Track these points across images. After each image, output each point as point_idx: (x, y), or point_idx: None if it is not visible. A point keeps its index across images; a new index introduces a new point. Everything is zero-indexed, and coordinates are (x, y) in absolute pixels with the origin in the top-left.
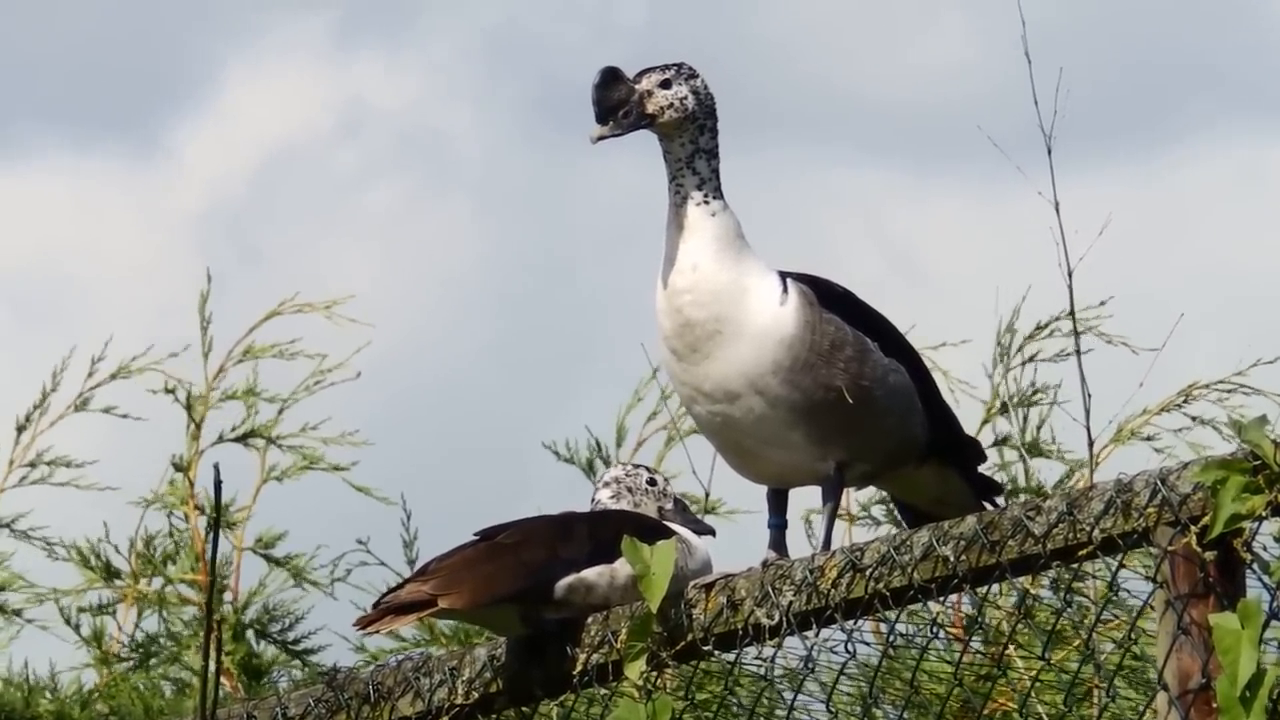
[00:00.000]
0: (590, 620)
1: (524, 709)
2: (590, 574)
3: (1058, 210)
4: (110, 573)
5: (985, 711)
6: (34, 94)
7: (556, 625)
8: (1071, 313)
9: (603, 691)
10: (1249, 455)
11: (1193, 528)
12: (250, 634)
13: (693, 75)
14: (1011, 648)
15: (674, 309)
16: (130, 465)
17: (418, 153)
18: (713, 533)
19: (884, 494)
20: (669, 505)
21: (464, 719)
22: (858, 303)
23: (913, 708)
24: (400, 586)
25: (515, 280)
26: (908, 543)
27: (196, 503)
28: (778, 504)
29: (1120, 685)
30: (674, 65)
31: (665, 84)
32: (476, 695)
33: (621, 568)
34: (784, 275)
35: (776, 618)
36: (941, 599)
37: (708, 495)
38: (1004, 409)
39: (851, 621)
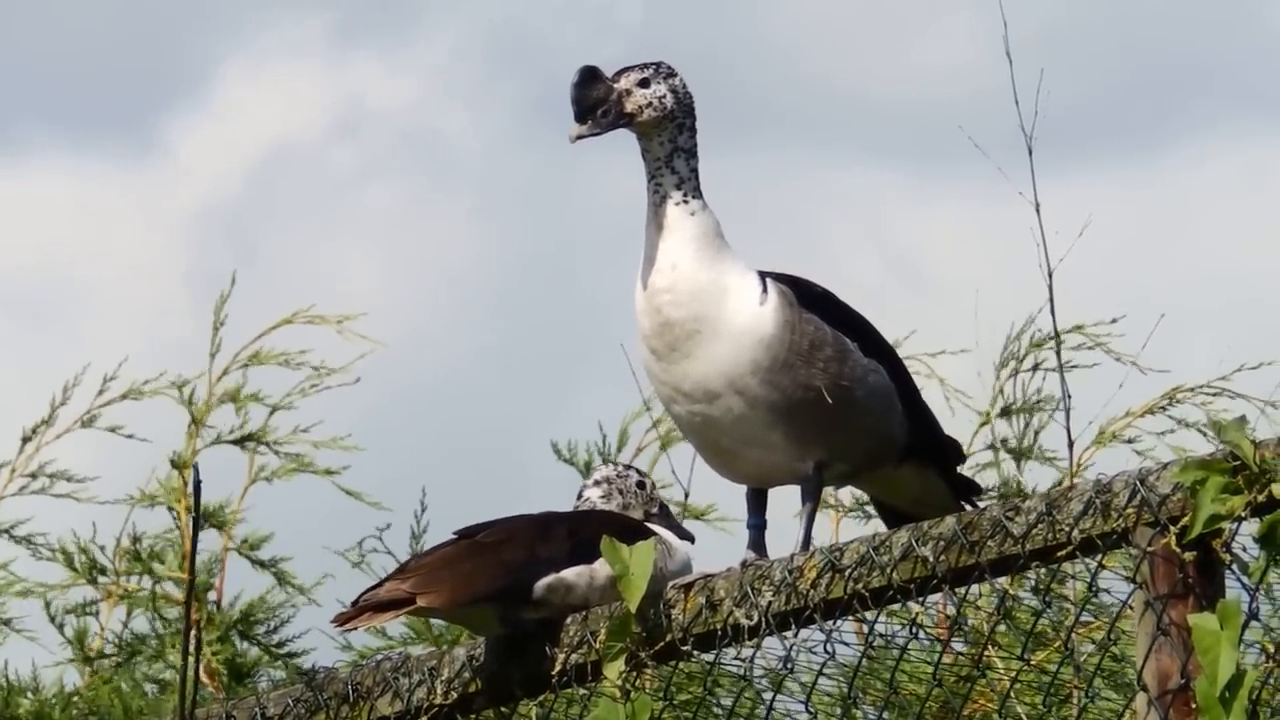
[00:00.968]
0: (569, 620)
1: (503, 709)
2: (569, 574)
3: (1038, 211)
4: (95, 570)
5: (965, 712)
6: (33, 94)
7: (535, 625)
8: (1052, 313)
9: (582, 691)
10: (1228, 456)
11: (1172, 528)
12: (234, 635)
13: (671, 74)
14: (991, 648)
15: (653, 308)
16: (130, 483)
17: (416, 152)
18: (693, 539)
19: None
20: (655, 509)
21: (443, 719)
22: (837, 303)
23: (892, 708)
24: (380, 584)
25: (514, 280)
26: (887, 543)
27: (188, 503)
28: (757, 504)
29: (1100, 686)
30: (652, 64)
31: (644, 83)
32: (455, 695)
33: (601, 568)
34: (763, 275)
35: (755, 618)
36: (921, 599)
37: (687, 495)
38: (1006, 412)
39: (831, 622)
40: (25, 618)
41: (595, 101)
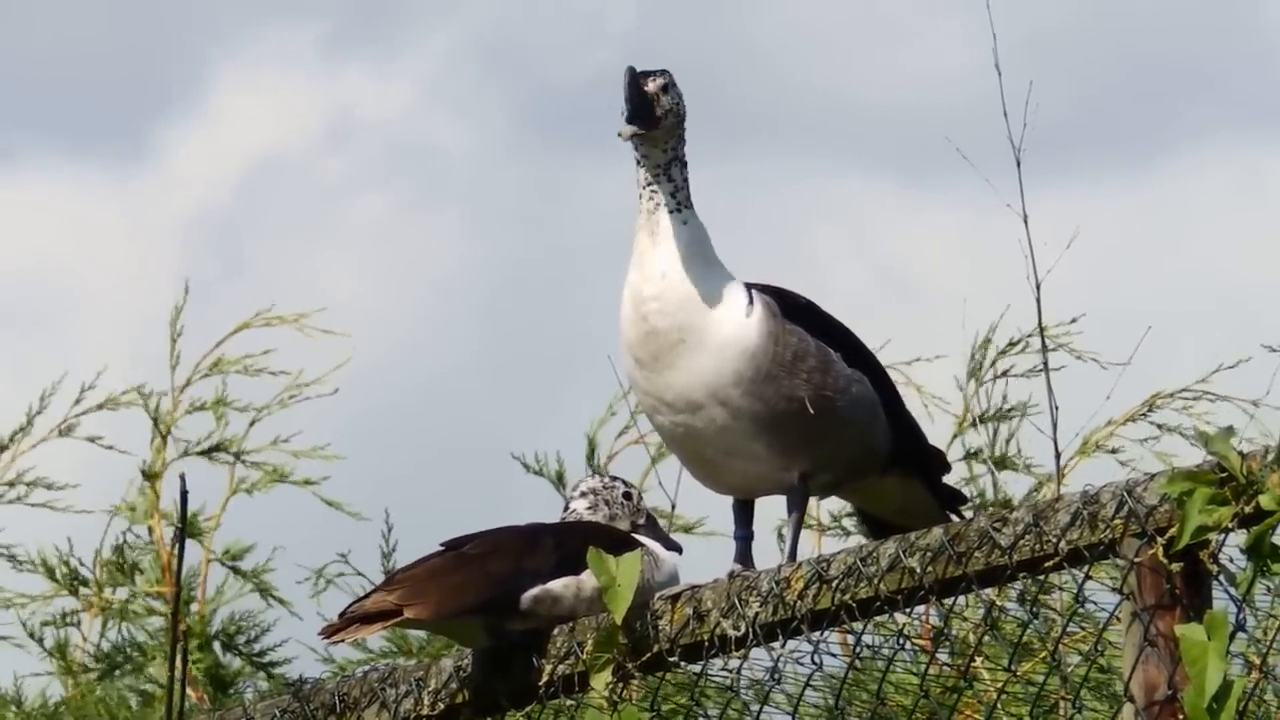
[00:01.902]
0: (556, 631)
1: (490, 719)
2: (556, 585)
3: (1026, 223)
4: (76, 582)
5: None
6: (25, 103)
7: (522, 636)
8: (1039, 326)
9: (569, 703)
10: (1215, 467)
11: (1159, 539)
12: (217, 645)
13: (674, 82)
14: (978, 659)
15: (639, 316)
16: (109, 492)
17: (406, 162)
18: (680, 549)
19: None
20: (642, 520)
21: None
22: (820, 313)
23: (879, 719)
24: (366, 596)
25: (502, 290)
26: (874, 554)
27: (163, 514)
28: (743, 515)
29: (1087, 697)
30: (661, 71)
31: (665, 89)
32: (442, 706)
33: (587, 579)
34: (749, 286)
35: (743, 629)
36: (908, 610)
37: (674, 507)
38: (975, 423)
39: (818, 633)
40: (6, 625)
41: (647, 101)
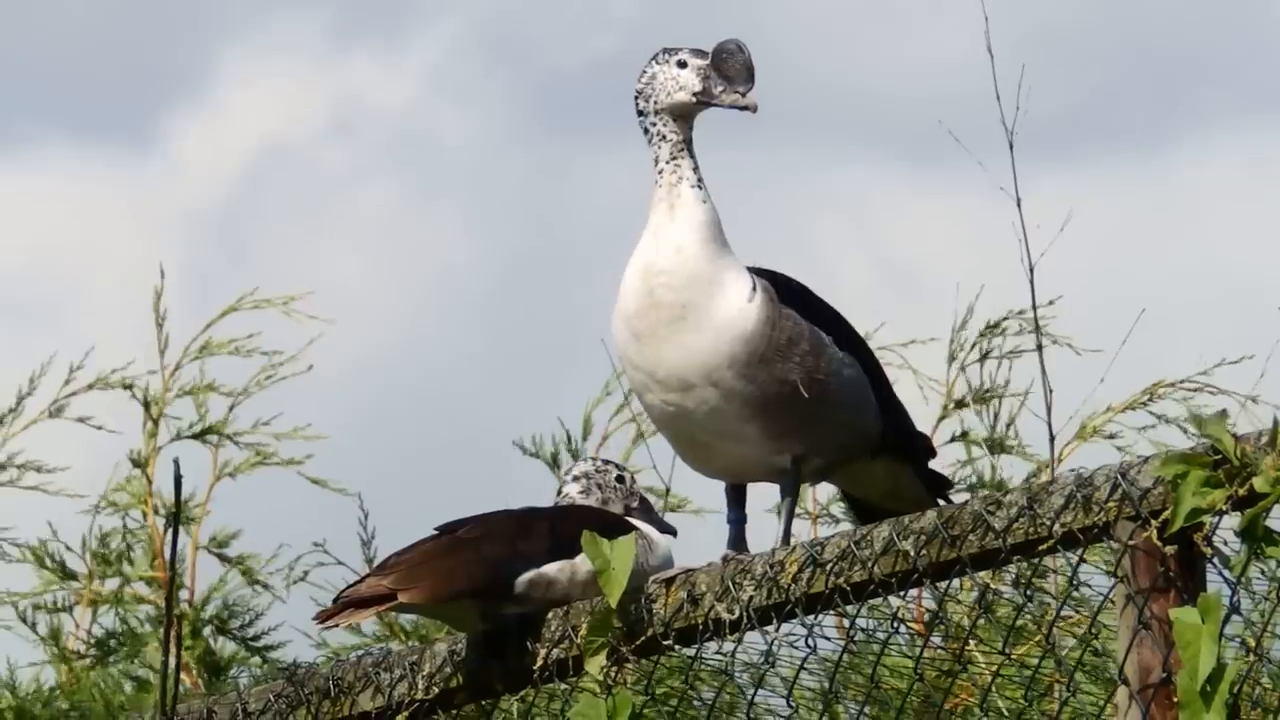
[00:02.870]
0: (550, 615)
1: (484, 704)
2: (550, 569)
3: (1019, 206)
4: (66, 573)
5: (946, 707)
6: (29, 91)
7: (516, 620)
8: (1033, 308)
9: (563, 686)
10: (1209, 450)
11: (1153, 522)
12: (209, 630)
13: None
14: (972, 643)
15: (646, 288)
16: (101, 474)
17: (409, 152)
18: (674, 532)
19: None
20: (635, 503)
21: (424, 714)
22: (813, 298)
23: (873, 703)
24: (360, 581)
25: (505, 280)
26: (868, 537)
27: (154, 500)
28: (736, 499)
29: (1081, 680)
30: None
31: None
32: (437, 690)
33: (582, 563)
34: (751, 271)
35: (737, 612)
36: (902, 594)
37: (668, 491)
38: (960, 405)
39: (812, 616)
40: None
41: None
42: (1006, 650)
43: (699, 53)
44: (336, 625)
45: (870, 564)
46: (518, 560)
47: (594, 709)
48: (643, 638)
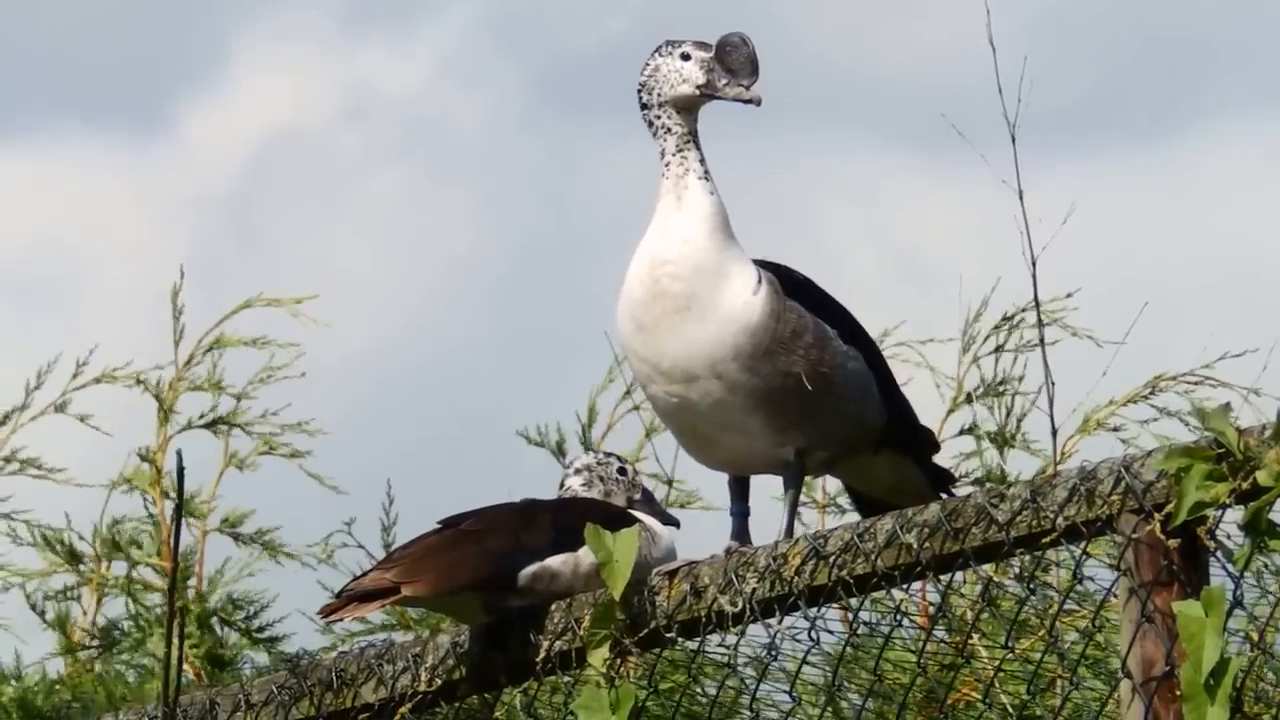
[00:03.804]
0: (553, 607)
1: (487, 696)
2: (554, 562)
3: (1021, 198)
4: (74, 556)
5: (949, 700)
6: (42, 77)
7: (519, 613)
8: (1035, 301)
9: (566, 679)
10: (1213, 443)
11: (1157, 515)
12: (214, 621)
13: None
14: (976, 636)
15: (652, 278)
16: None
17: (421, 138)
18: (677, 524)
19: None
20: (638, 495)
21: (427, 706)
22: (818, 290)
23: (877, 696)
24: (364, 574)
25: (515, 266)
26: (871, 530)
27: (163, 488)
28: (739, 491)
29: (1084, 674)
30: None
31: None
32: (440, 682)
33: (585, 556)
34: (757, 264)
35: (740, 605)
36: (905, 587)
37: (670, 484)
38: (969, 399)
39: (815, 609)
40: (6, 599)
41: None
42: (1010, 644)
43: (702, 45)
44: (341, 619)
45: (874, 557)
46: (521, 553)
47: (597, 701)
48: (646, 630)
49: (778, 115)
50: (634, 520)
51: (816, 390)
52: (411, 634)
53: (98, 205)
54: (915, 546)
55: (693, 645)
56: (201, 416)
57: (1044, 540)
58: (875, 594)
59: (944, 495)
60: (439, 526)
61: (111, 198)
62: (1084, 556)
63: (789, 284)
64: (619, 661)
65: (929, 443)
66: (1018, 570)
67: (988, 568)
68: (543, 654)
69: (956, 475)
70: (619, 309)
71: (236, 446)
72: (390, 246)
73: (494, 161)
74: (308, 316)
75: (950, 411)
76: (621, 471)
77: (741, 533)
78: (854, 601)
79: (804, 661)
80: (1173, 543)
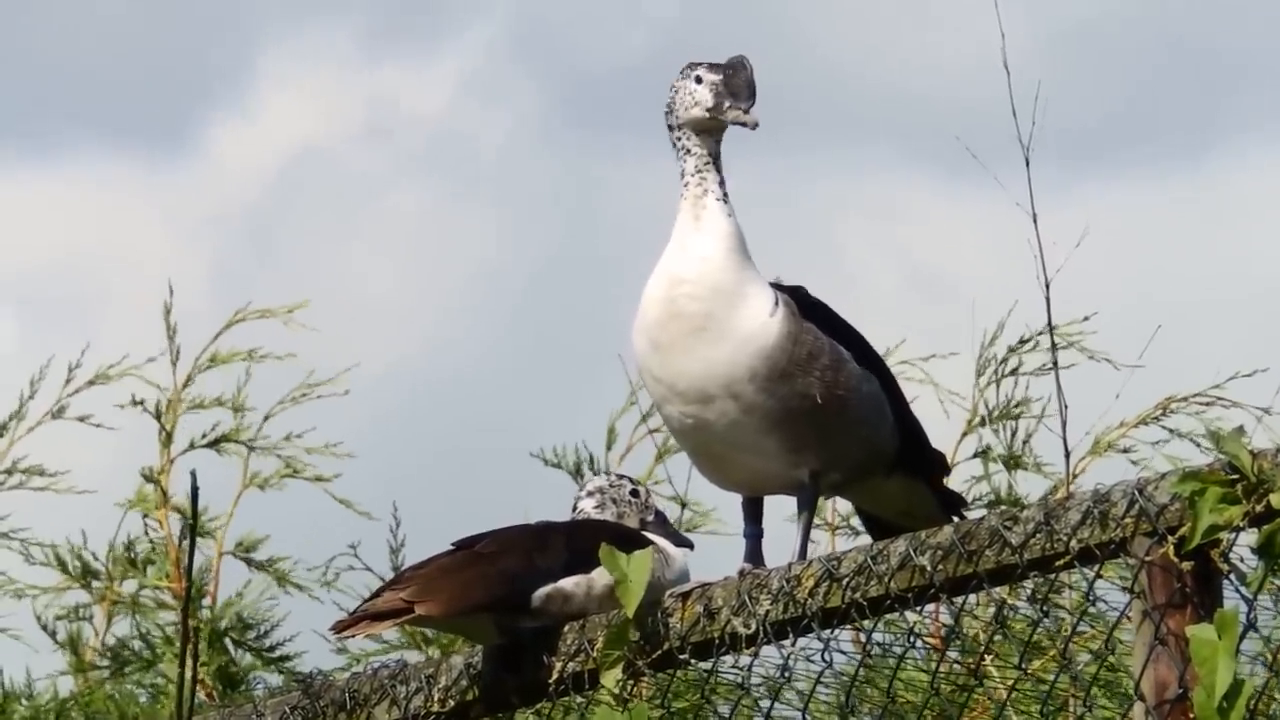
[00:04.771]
0: (567, 629)
1: (500, 717)
2: (567, 583)
3: (1035, 222)
4: (88, 574)
5: None
6: (66, 95)
7: (532, 634)
8: (1049, 324)
9: (579, 700)
10: (1226, 466)
11: (1170, 538)
12: (227, 641)
13: None
14: (988, 658)
15: (669, 298)
16: (110, 468)
17: (443, 155)
18: (691, 545)
19: None
20: (650, 517)
21: None
22: (832, 313)
23: (890, 717)
24: (378, 594)
25: (537, 283)
26: (884, 552)
27: (171, 506)
28: (753, 513)
29: (1097, 696)
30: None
31: None
32: (453, 703)
33: (598, 577)
34: (774, 287)
35: (753, 627)
36: (919, 609)
37: (684, 506)
38: (984, 422)
39: (828, 631)
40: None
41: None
42: (1023, 666)
43: (716, 67)
44: (354, 635)
45: (887, 579)
46: (534, 574)
47: None
48: (659, 651)
49: (796, 132)
50: (648, 542)
51: (832, 412)
52: (424, 655)
53: (120, 223)
54: (929, 569)
55: (706, 666)
56: (204, 436)
57: (1058, 563)
58: (888, 616)
59: (955, 519)
60: (452, 547)
61: (134, 215)
62: (1097, 579)
63: (805, 306)
64: (632, 683)
65: (940, 466)
66: (1031, 592)
67: (1001, 590)
68: (556, 675)
69: (968, 499)
70: (635, 328)
71: (257, 467)
72: (411, 264)
73: (514, 179)
74: (298, 324)
75: (964, 435)
76: (634, 493)
77: (755, 554)
78: (867, 623)
79: (817, 683)
80: (1186, 565)
